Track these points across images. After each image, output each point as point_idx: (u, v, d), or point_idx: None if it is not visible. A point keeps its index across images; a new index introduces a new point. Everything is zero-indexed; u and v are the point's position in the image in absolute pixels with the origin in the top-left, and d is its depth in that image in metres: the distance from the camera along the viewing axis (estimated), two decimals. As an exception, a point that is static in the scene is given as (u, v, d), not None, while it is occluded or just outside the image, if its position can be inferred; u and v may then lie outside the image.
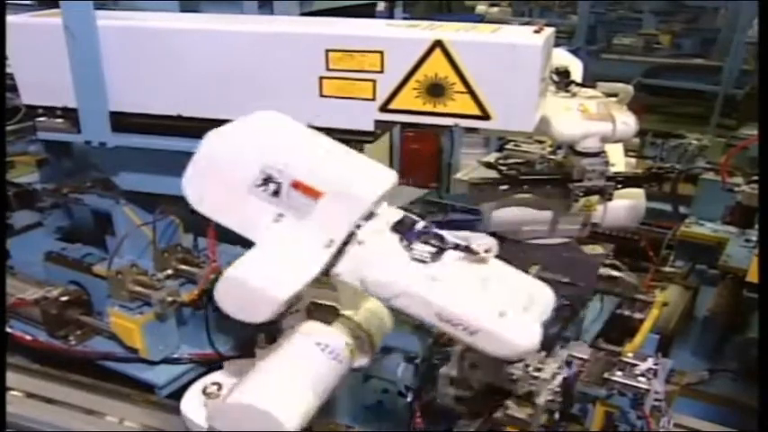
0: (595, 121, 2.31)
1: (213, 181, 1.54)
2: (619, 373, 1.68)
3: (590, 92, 2.49)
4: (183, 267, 2.76)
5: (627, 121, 2.33)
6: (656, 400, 1.64)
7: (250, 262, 1.45)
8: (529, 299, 1.47)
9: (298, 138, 1.57)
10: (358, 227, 1.45)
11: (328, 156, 1.58)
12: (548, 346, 1.74)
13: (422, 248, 1.43)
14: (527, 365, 1.59)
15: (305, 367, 1.56)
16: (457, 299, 1.40)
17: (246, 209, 1.47)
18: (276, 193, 1.43)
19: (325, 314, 1.73)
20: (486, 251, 1.50)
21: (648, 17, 10.00)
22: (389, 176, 1.56)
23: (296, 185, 1.40)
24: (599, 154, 2.35)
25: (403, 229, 1.46)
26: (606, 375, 1.68)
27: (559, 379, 1.66)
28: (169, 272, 2.73)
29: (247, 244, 3.06)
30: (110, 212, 2.79)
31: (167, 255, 2.75)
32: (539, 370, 1.60)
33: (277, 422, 1.42)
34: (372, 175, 1.55)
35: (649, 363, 1.71)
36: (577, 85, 2.46)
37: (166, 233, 2.82)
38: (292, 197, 1.42)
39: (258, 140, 1.50)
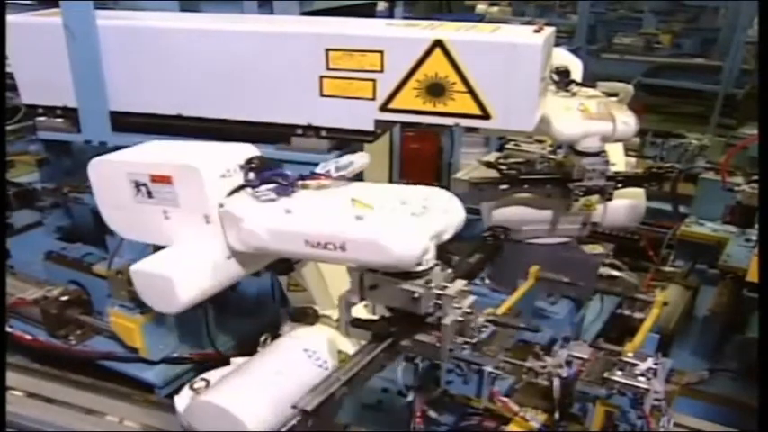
0: (595, 120, 2.31)
1: (113, 209, 1.73)
2: (619, 372, 1.68)
3: (590, 91, 2.49)
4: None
5: (627, 121, 2.33)
6: (656, 399, 1.64)
7: (154, 257, 1.59)
8: (419, 206, 1.48)
9: (146, 146, 1.73)
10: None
11: (170, 148, 1.73)
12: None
13: (266, 190, 1.52)
14: (429, 282, 1.49)
15: (288, 372, 1.61)
16: (316, 220, 1.46)
17: (144, 219, 1.62)
18: (149, 193, 1.58)
19: (306, 317, 1.80)
20: (339, 170, 1.58)
21: (648, 17, 10.00)
22: (235, 151, 1.62)
23: (155, 179, 1.55)
24: (599, 153, 2.35)
25: (253, 181, 1.55)
26: (606, 375, 1.67)
27: (470, 299, 1.60)
28: None
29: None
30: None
31: (167, 254, 2.75)
32: (444, 288, 1.52)
33: (237, 421, 1.49)
34: (211, 152, 1.63)
35: (649, 362, 1.71)
36: (577, 84, 2.46)
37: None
38: (159, 191, 1.57)
39: (118, 158, 1.66)
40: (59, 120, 2.46)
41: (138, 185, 1.58)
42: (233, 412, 1.50)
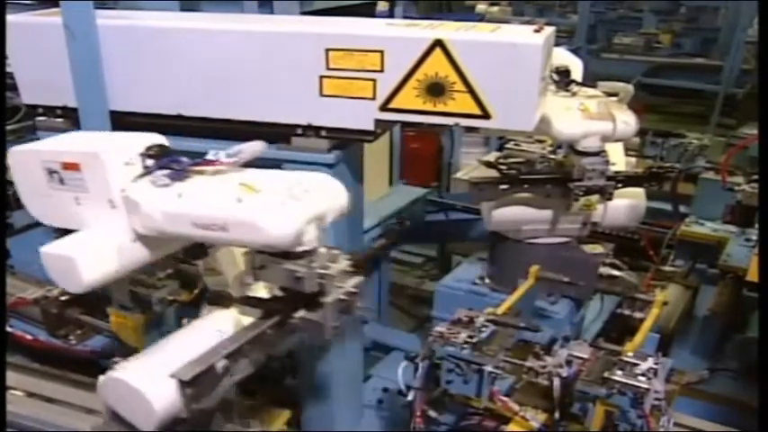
0: (595, 120, 2.31)
1: (32, 197, 1.88)
2: (619, 372, 1.68)
3: (590, 91, 2.49)
4: (183, 266, 2.76)
5: (627, 121, 2.33)
6: (657, 399, 1.64)
7: (62, 239, 1.76)
8: (302, 190, 1.57)
9: (62, 136, 1.86)
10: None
11: (82, 137, 1.89)
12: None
13: (161, 175, 1.63)
14: (311, 262, 1.55)
15: (198, 352, 1.67)
16: (201, 203, 1.57)
17: (58, 205, 1.77)
18: (61, 180, 1.70)
19: (222, 299, 1.91)
20: (229, 156, 1.65)
21: (649, 16, 10.01)
22: (140, 139, 1.73)
23: (65, 166, 1.67)
24: (599, 153, 2.35)
25: (152, 168, 1.65)
26: (606, 374, 1.67)
27: (356, 280, 1.63)
28: (169, 271, 2.73)
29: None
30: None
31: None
32: (326, 268, 1.58)
33: (143, 398, 1.57)
34: (117, 140, 1.74)
35: (650, 362, 1.70)
36: (578, 84, 2.46)
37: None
38: (70, 178, 1.69)
39: (34, 147, 1.79)
40: (59, 119, 2.45)
41: (50, 172, 1.69)
42: (140, 390, 1.59)
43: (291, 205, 1.51)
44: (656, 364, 1.71)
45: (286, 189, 1.55)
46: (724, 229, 3.40)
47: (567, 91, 2.44)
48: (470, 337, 1.85)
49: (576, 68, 2.56)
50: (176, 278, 2.72)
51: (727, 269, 3.11)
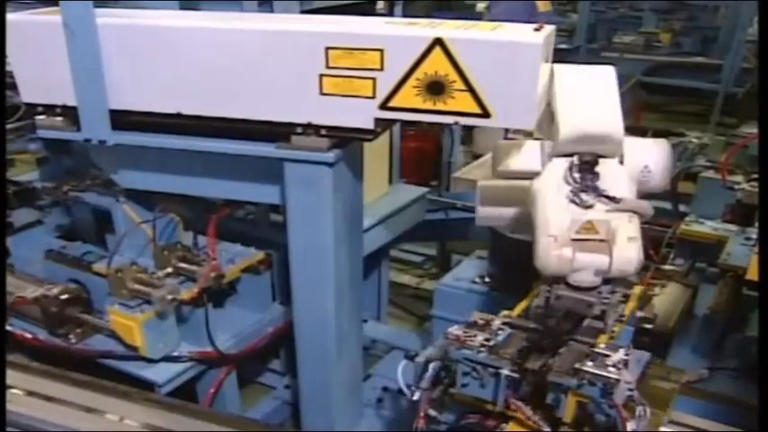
0: (590, 253, 1.91)
1: None
2: (590, 363, 1.70)
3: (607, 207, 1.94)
4: (183, 265, 2.76)
5: (629, 258, 1.91)
6: (629, 390, 1.66)
7: None
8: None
9: None
10: None
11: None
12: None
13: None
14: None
15: None
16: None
17: None
18: None
19: None
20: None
21: (649, 15, 10.01)
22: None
23: None
24: (594, 288, 1.98)
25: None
26: (577, 366, 1.69)
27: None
28: (169, 270, 2.73)
29: (246, 242, 3.06)
30: (109, 210, 2.79)
31: (167, 253, 2.75)
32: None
33: None
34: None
35: (620, 353, 1.73)
36: (601, 195, 1.93)
37: (166, 231, 2.82)
38: None
39: None
40: (59, 118, 2.45)
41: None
42: None
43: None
44: (626, 355, 1.72)
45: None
46: (724, 227, 3.40)
47: (579, 199, 1.93)
48: (487, 339, 1.84)
49: (625, 150, 2.02)
50: (176, 276, 2.73)
51: (727, 268, 3.11)
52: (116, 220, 2.79)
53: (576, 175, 1.95)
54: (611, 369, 1.67)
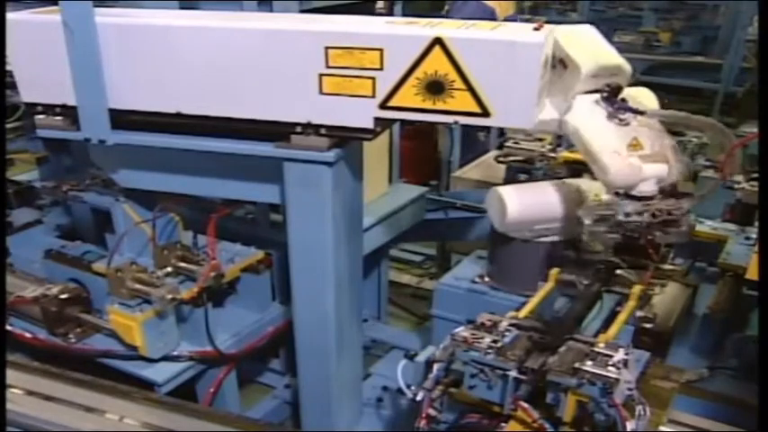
0: (652, 163, 2.11)
1: None
2: (589, 362, 1.70)
3: (643, 120, 2.16)
4: (183, 265, 2.76)
5: (684, 160, 2.18)
6: (629, 389, 1.66)
7: None
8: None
9: None
10: None
11: None
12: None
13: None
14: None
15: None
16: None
17: None
18: None
19: None
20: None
21: (648, 15, 10.01)
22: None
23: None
24: (654, 197, 2.16)
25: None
26: (577, 365, 1.69)
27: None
28: (169, 269, 2.73)
29: (246, 242, 3.06)
30: (109, 210, 2.79)
31: (167, 252, 2.75)
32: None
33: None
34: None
35: (620, 353, 1.73)
36: (628, 110, 2.14)
37: (166, 230, 2.83)
38: None
39: None
40: (58, 118, 2.45)
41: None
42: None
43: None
44: (626, 354, 1.72)
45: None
46: (723, 227, 3.40)
47: (618, 118, 2.14)
48: (494, 341, 1.83)
49: (650, 101, 2.31)
50: (176, 275, 2.73)
51: (727, 268, 3.11)
52: (116, 219, 2.78)
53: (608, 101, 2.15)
54: (611, 368, 1.67)
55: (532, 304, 2.19)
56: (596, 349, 1.77)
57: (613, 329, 2.03)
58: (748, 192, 3.11)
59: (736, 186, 3.22)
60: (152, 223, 2.73)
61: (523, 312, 2.11)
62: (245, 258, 2.97)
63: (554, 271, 2.34)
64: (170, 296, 2.59)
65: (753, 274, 2.35)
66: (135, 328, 2.62)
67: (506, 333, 1.89)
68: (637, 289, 2.22)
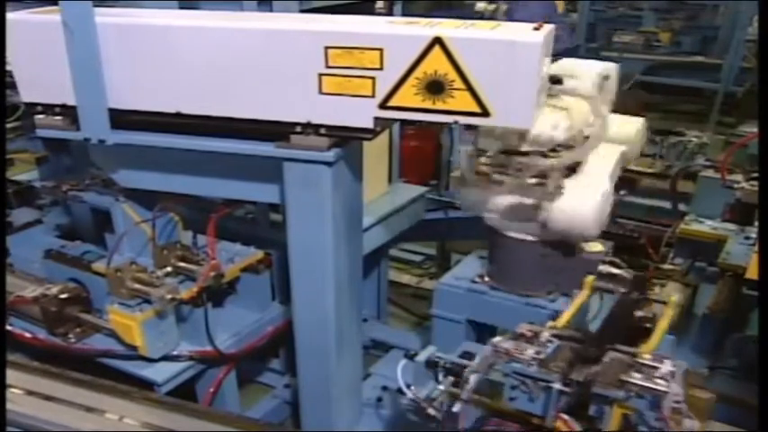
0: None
1: None
2: (637, 375, 1.64)
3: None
4: (183, 265, 2.76)
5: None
6: (676, 402, 1.59)
7: None
8: None
9: None
10: None
11: None
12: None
13: None
14: None
15: None
16: None
17: None
18: None
19: None
20: None
21: (648, 15, 10.00)
22: None
23: None
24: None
25: None
26: (623, 377, 1.64)
27: None
28: (168, 269, 2.73)
29: (246, 241, 3.05)
30: (109, 210, 2.79)
31: (166, 252, 2.75)
32: None
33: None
34: None
35: (667, 365, 1.66)
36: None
37: (165, 230, 2.82)
38: None
39: None
40: (58, 117, 2.45)
41: None
42: None
43: None
44: (673, 366, 1.67)
45: None
46: (723, 227, 3.40)
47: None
48: (537, 352, 1.77)
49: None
50: (175, 275, 2.73)
51: (727, 267, 3.11)
52: (115, 219, 2.78)
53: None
54: (660, 381, 1.61)
55: (570, 314, 2.13)
56: (641, 360, 1.70)
57: (655, 339, 1.96)
58: (748, 191, 3.11)
59: (735, 186, 3.22)
60: (152, 223, 2.73)
61: (561, 322, 2.05)
62: (244, 258, 2.97)
63: (589, 278, 2.30)
64: (169, 296, 2.59)
65: (753, 273, 2.35)
66: (134, 328, 2.62)
67: (548, 344, 1.82)
68: (674, 298, 2.18)
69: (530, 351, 1.78)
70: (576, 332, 1.93)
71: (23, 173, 3.89)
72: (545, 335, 1.87)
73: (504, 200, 2.56)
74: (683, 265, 3.48)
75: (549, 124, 2.36)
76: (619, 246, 2.85)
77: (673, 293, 2.30)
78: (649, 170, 4.05)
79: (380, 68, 2.06)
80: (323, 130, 2.22)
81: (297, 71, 2.15)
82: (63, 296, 2.83)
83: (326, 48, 2.08)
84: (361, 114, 2.15)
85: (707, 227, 3.44)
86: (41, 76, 2.40)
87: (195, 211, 2.89)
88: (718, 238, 3.31)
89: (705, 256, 3.37)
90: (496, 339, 1.83)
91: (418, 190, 3.79)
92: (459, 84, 2.00)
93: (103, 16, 2.28)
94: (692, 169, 3.85)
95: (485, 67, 1.97)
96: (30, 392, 2.48)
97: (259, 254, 3.02)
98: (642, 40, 9.53)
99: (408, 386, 2.20)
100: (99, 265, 2.79)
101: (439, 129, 5.26)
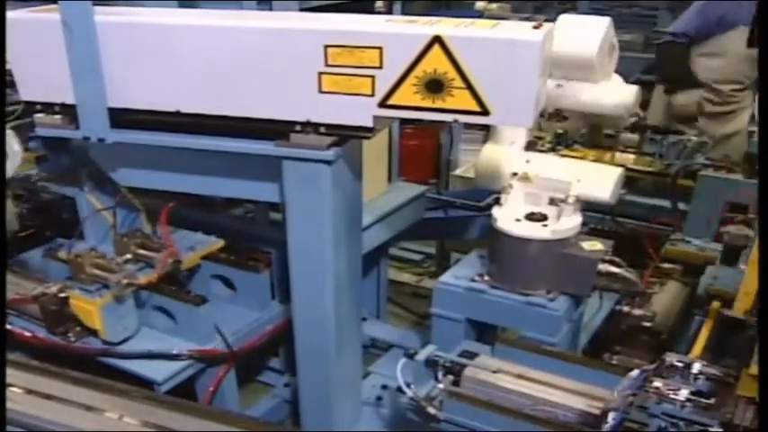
0: None
1: None
2: None
3: None
4: (142, 252, 2.79)
5: None
6: None
7: None
8: None
9: None
10: None
11: None
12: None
13: None
14: None
15: None
16: None
17: None
18: None
19: None
20: None
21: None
22: None
23: None
24: None
25: None
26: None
27: None
28: (128, 256, 2.76)
29: (207, 230, 3.06)
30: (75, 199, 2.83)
31: (126, 239, 2.79)
32: None
33: None
34: None
35: None
36: None
37: (128, 220, 2.87)
38: None
39: None
40: (58, 116, 2.45)
41: None
42: None
43: None
44: None
45: None
46: (711, 247, 3.25)
47: None
48: (692, 393, 1.62)
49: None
50: (135, 262, 2.75)
51: (715, 293, 2.62)
52: (80, 208, 2.84)
53: None
54: None
55: (701, 343, 1.99)
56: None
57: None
58: (734, 235, 2.87)
59: (722, 230, 3.03)
60: (113, 211, 2.77)
61: (697, 349, 1.91)
62: (205, 246, 3.01)
63: (715, 305, 2.17)
64: (126, 281, 2.63)
65: (738, 311, 2.06)
66: (94, 313, 2.66)
67: (699, 377, 1.68)
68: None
69: (684, 391, 1.62)
70: (725, 369, 1.74)
71: (23, 172, 3.88)
72: (697, 366, 1.71)
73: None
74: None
75: None
76: (619, 245, 2.84)
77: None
78: (649, 169, 4.04)
79: (380, 67, 2.06)
80: (322, 129, 2.22)
81: (296, 70, 2.15)
82: (62, 295, 2.83)
83: (326, 46, 2.08)
84: (360, 113, 2.15)
85: (693, 247, 3.32)
86: (41, 75, 2.40)
87: (160, 202, 2.90)
88: (705, 260, 3.11)
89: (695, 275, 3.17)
90: (638, 375, 1.66)
91: (418, 189, 3.78)
92: (458, 82, 2.00)
93: (103, 15, 2.28)
94: (692, 168, 3.85)
95: (485, 65, 1.97)
96: (29, 391, 2.48)
97: (219, 242, 3.05)
98: (642, 40, 9.52)
99: (408, 385, 2.20)
100: (61, 253, 2.83)
101: (439, 128, 5.26)
